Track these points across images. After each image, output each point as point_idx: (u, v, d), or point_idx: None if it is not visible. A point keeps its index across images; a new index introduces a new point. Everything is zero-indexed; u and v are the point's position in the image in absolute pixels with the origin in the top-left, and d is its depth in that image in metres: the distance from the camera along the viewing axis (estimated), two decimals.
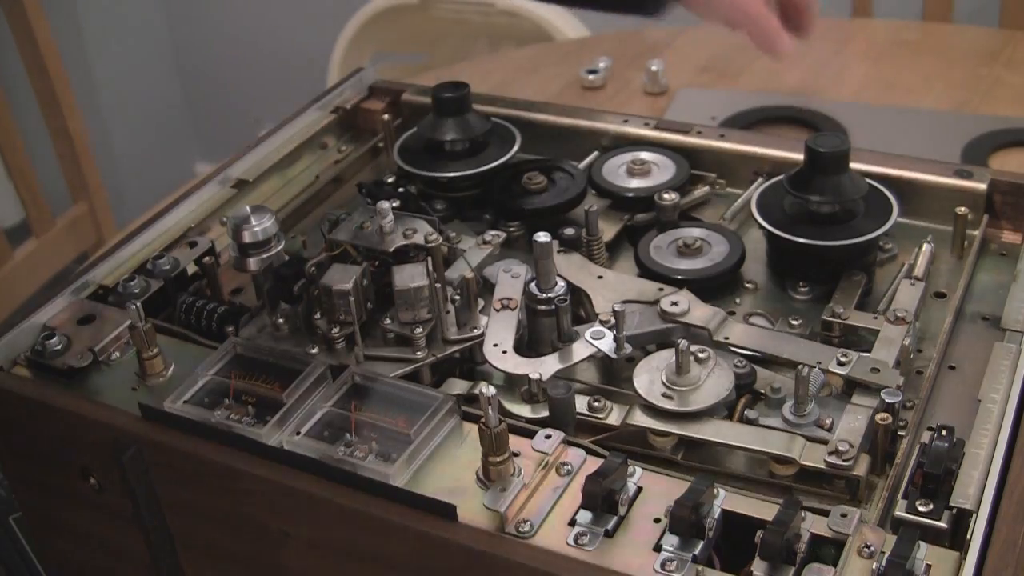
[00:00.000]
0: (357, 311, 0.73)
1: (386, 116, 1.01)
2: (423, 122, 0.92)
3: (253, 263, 0.78)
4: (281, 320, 0.76)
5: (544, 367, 0.71)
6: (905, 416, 0.68)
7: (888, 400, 0.66)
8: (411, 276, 0.73)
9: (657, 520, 0.60)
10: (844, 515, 0.58)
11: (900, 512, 0.60)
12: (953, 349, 0.75)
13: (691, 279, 0.79)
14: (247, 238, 0.78)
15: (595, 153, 0.95)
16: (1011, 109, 1.28)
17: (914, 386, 0.71)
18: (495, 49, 2.07)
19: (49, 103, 1.66)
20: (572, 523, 0.61)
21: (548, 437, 0.64)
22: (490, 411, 0.61)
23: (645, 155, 0.92)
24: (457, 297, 0.74)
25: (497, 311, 0.74)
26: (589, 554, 0.59)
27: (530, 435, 0.65)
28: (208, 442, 0.67)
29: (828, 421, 0.66)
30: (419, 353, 0.73)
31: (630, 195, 0.89)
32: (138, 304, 0.71)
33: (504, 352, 0.72)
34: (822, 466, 0.63)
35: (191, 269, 0.84)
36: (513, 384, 0.72)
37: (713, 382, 0.68)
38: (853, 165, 0.80)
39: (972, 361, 0.73)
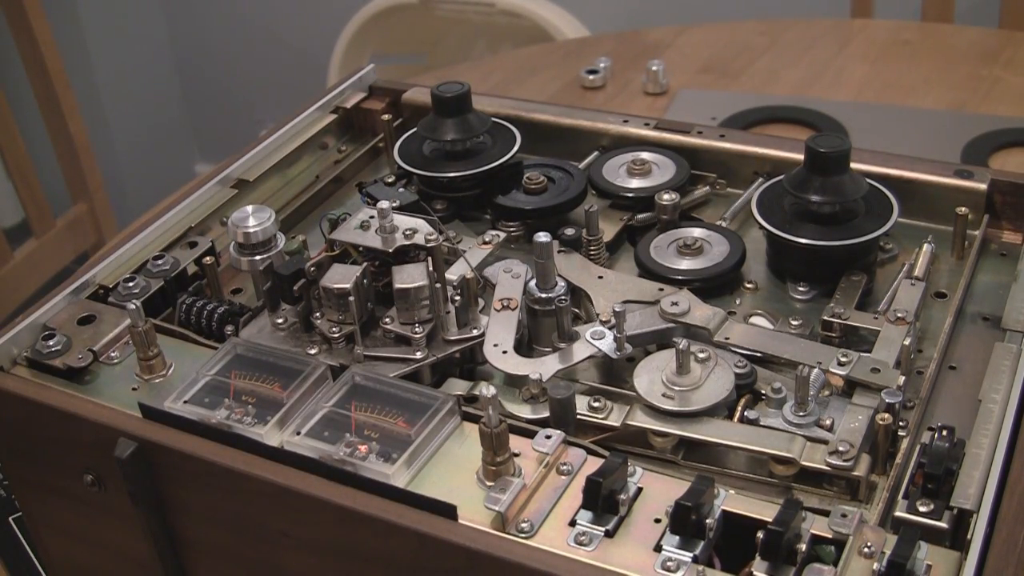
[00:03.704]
0: (357, 311, 0.73)
1: (386, 116, 1.01)
2: (423, 122, 0.92)
3: (253, 263, 0.78)
4: (281, 320, 0.76)
5: (544, 367, 0.71)
6: (905, 416, 0.68)
7: (888, 400, 0.66)
8: (411, 276, 0.73)
9: (657, 520, 0.60)
10: (844, 515, 0.58)
11: (901, 512, 0.60)
12: (953, 349, 0.75)
13: (691, 279, 0.80)
14: (247, 238, 0.78)
15: (595, 153, 0.95)
16: (1011, 109, 1.28)
17: (914, 386, 0.71)
18: (495, 49, 2.07)
19: (49, 103, 1.66)
20: (572, 523, 0.61)
21: (548, 437, 0.64)
22: (490, 411, 0.61)
23: (645, 155, 0.92)
24: (457, 297, 0.74)
25: (497, 311, 0.74)
26: (589, 554, 0.59)
27: (530, 435, 0.65)
28: (208, 442, 0.67)
29: (828, 421, 0.66)
30: (419, 353, 0.72)
31: (630, 195, 0.89)
32: (138, 304, 0.71)
33: (504, 352, 0.72)
34: (822, 466, 0.63)
35: (191, 269, 0.84)
36: (513, 384, 0.72)
37: (713, 382, 0.68)
38: (853, 165, 0.80)
39: (972, 361, 0.73)
